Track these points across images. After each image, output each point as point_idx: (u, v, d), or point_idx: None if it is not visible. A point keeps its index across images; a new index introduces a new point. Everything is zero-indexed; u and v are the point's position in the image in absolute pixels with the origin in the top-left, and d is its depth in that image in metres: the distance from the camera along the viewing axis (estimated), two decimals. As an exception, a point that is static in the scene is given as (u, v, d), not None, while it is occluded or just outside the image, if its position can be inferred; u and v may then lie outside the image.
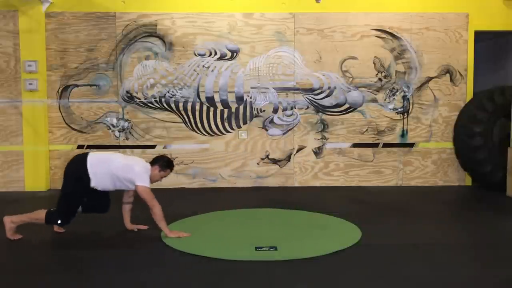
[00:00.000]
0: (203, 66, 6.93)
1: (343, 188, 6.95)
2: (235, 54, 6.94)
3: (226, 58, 6.94)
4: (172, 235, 4.33)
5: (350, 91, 7.02)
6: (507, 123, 6.51)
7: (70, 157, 6.79)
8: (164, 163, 4.47)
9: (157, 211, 4.28)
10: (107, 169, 4.25)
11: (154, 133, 6.98)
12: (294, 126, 7.05)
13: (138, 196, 4.35)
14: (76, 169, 4.31)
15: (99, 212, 4.51)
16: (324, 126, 7.06)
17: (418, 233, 4.58)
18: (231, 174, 7.06)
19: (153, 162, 4.48)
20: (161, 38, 6.90)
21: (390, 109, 7.08)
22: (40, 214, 4.30)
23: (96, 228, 4.81)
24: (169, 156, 4.72)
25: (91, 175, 4.23)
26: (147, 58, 6.91)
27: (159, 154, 4.68)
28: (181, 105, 6.95)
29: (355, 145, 7.06)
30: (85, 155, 4.35)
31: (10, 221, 4.36)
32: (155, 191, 6.81)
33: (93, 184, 4.25)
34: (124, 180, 4.29)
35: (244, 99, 6.97)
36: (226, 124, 7.00)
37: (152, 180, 4.42)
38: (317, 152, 7.07)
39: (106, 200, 4.49)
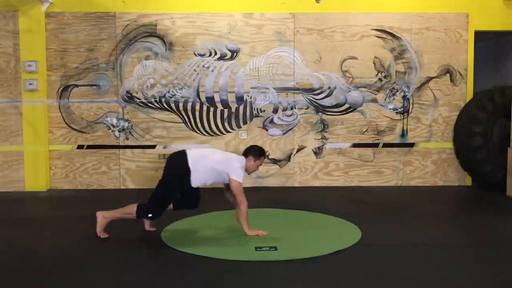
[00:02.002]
0: (203, 66, 6.93)
1: (343, 188, 6.95)
2: (235, 54, 6.94)
3: (226, 58, 6.94)
4: (251, 234, 4.37)
5: (350, 91, 7.02)
6: (507, 123, 6.51)
7: (70, 157, 6.90)
8: (257, 152, 4.53)
9: (243, 208, 4.34)
10: (207, 164, 4.34)
11: (154, 133, 6.98)
12: (294, 126, 7.05)
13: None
14: (178, 165, 4.36)
15: (190, 209, 4.58)
16: (324, 126, 7.06)
17: (418, 233, 4.58)
18: (231, 174, 7.05)
19: (246, 154, 4.53)
20: (161, 38, 6.90)
21: (390, 109, 7.08)
22: (131, 208, 4.34)
23: (96, 228, 4.81)
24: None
25: (192, 171, 4.30)
26: (147, 58, 6.91)
27: (250, 145, 4.68)
28: (181, 105, 6.95)
29: (355, 145, 7.06)
30: (184, 152, 4.41)
31: (103, 216, 4.40)
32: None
33: (193, 179, 4.31)
34: (223, 174, 4.36)
35: (244, 99, 6.97)
36: (226, 124, 7.00)
37: (250, 171, 4.53)
38: (317, 152, 7.07)
39: (197, 196, 4.54)
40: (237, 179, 4.33)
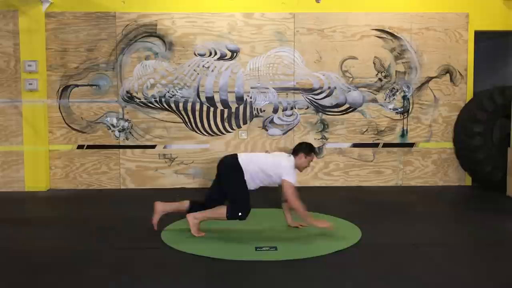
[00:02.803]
0: (203, 66, 6.93)
1: (343, 188, 6.95)
2: (235, 54, 6.94)
3: (226, 58, 6.94)
4: (318, 224, 4.34)
5: (350, 91, 7.02)
6: (507, 123, 6.51)
7: (70, 157, 6.90)
8: (306, 149, 4.54)
9: (300, 210, 4.32)
10: (258, 167, 4.36)
11: (154, 133, 6.98)
12: (294, 126, 7.05)
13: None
14: (232, 164, 4.39)
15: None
16: (324, 126, 7.06)
17: (418, 233, 4.58)
18: (231, 174, 7.05)
19: (295, 152, 4.54)
20: (161, 38, 6.90)
21: (390, 109, 7.08)
22: (220, 210, 4.36)
23: (96, 228, 4.82)
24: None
25: (245, 173, 4.34)
26: (147, 58, 6.91)
27: (298, 143, 4.70)
28: (181, 105, 6.95)
29: (355, 145, 7.06)
30: (235, 156, 4.47)
31: (193, 218, 4.42)
32: (156, 190, 6.84)
33: (246, 180, 4.35)
34: (273, 176, 4.38)
35: (244, 99, 6.97)
36: (226, 124, 7.00)
37: (301, 168, 4.53)
38: (317, 152, 7.06)
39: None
40: (290, 180, 4.33)
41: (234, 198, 4.36)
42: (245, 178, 4.35)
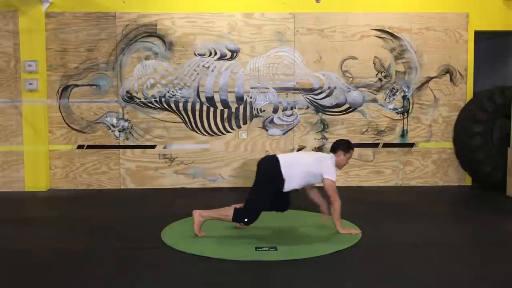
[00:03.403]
0: (203, 66, 6.93)
1: (343, 188, 6.93)
2: (235, 54, 6.94)
3: (226, 58, 6.94)
4: (344, 232, 4.42)
5: (350, 91, 7.02)
6: (507, 123, 6.51)
7: (70, 157, 6.90)
8: (345, 146, 4.55)
9: (337, 207, 4.37)
10: (300, 168, 4.36)
11: (154, 133, 6.98)
12: (294, 126, 7.05)
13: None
14: (271, 171, 4.36)
15: (281, 211, 4.60)
16: (324, 126, 7.06)
17: (418, 233, 4.58)
18: (231, 174, 7.06)
19: (334, 150, 4.56)
20: (161, 38, 6.90)
21: (390, 109, 7.08)
22: (228, 211, 4.37)
23: (96, 228, 4.82)
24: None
25: (285, 177, 4.32)
26: (147, 58, 6.91)
27: (336, 140, 4.71)
28: (181, 105, 6.95)
29: (355, 145, 7.02)
30: (275, 157, 4.43)
31: (199, 215, 4.42)
32: (156, 190, 6.85)
33: (286, 185, 4.34)
34: (316, 175, 4.39)
35: (244, 99, 6.97)
36: (226, 124, 7.00)
37: (341, 165, 4.55)
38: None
39: (288, 199, 4.57)
40: (331, 178, 4.36)
41: (250, 204, 4.36)
42: (286, 182, 4.31)
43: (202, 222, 4.43)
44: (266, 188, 4.34)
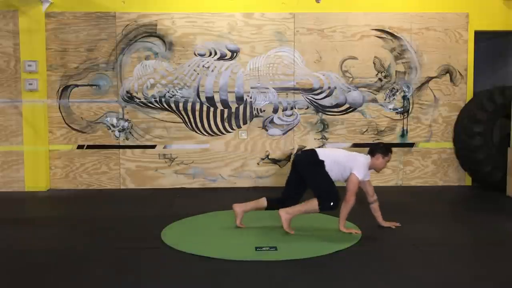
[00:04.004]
0: (203, 66, 6.93)
1: (343, 188, 6.93)
2: (235, 54, 6.94)
3: (226, 58, 6.94)
4: (345, 231, 4.45)
5: (350, 91, 7.02)
6: (507, 123, 6.51)
7: (70, 157, 6.90)
8: (384, 150, 4.60)
9: (349, 205, 4.40)
10: (335, 160, 4.44)
11: (154, 133, 6.98)
12: (294, 126, 7.05)
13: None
14: (311, 158, 4.47)
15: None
16: (324, 126, 7.06)
17: (418, 233, 4.58)
18: (231, 174, 7.06)
19: (372, 152, 4.59)
20: (161, 38, 6.90)
21: (390, 109, 7.08)
22: (312, 203, 4.38)
23: (96, 228, 4.82)
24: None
25: (325, 164, 4.42)
26: (147, 58, 6.91)
27: (374, 144, 4.81)
28: (181, 105, 6.95)
29: (355, 145, 7.06)
30: (313, 150, 4.59)
31: (286, 213, 4.45)
32: (156, 190, 6.85)
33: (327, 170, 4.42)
34: (347, 169, 4.43)
35: (244, 99, 6.97)
36: (226, 124, 7.00)
37: (379, 168, 4.60)
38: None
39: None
40: (357, 175, 4.40)
41: (320, 190, 4.39)
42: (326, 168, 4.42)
43: (290, 219, 4.47)
44: (318, 171, 4.41)
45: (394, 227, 4.71)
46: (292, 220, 4.52)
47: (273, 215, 5.19)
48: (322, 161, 4.43)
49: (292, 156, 7.01)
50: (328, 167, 4.43)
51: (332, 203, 4.33)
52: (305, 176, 4.50)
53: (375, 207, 4.73)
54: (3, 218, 5.26)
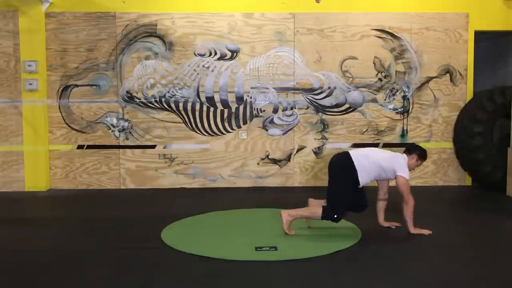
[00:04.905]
0: (203, 66, 6.93)
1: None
2: (235, 54, 6.94)
3: (226, 58, 6.94)
4: (416, 232, 4.45)
5: (350, 91, 7.02)
6: (507, 123, 6.51)
7: (70, 157, 6.90)
8: (422, 153, 4.58)
9: (410, 205, 4.40)
10: (372, 161, 4.39)
11: (154, 133, 6.98)
12: (294, 126, 7.05)
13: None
14: (343, 163, 4.41)
15: (359, 211, 4.59)
16: (324, 126, 7.06)
17: (418, 233, 4.57)
18: (231, 174, 7.06)
19: (409, 151, 4.58)
20: (161, 38, 6.90)
21: (390, 109, 7.08)
22: (316, 209, 4.38)
23: (96, 228, 4.82)
24: None
25: (357, 168, 4.36)
26: (147, 58, 6.91)
27: (412, 144, 4.79)
28: (181, 105, 6.95)
29: (355, 145, 7.05)
30: (347, 153, 4.50)
31: (288, 215, 4.45)
32: (156, 190, 6.85)
33: (359, 175, 4.36)
34: (387, 171, 4.41)
35: (244, 99, 6.97)
36: (226, 124, 7.00)
37: (409, 169, 4.53)
38: (317, 152, 7.07)
39: (365, 198, 4.59)
40: (405, 176, 4.39)
41: (334, 199, 4.37)
42: (358, 173, 4.35)
43: (291, 222, 4.46)
44: (343, 180, 4.37)
45: (393, 227, 4.70)
46: (293, 220, 4.52)
47: (273, 215, 5.19)
48: (354, 166, 4.35)
49: (293, 156, 7.01)
50: (365, 169, 4.37)
51: (336, 216, 4.32)
52: (332, 180, 4.46)
53: (381, 206, 4.73)
54: (3, 218, 5.26)
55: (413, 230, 4.49)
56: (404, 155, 4.56)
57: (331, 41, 6.97)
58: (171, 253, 4.01)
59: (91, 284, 3.36)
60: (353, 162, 4.37)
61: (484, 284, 3.36)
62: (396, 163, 4.42)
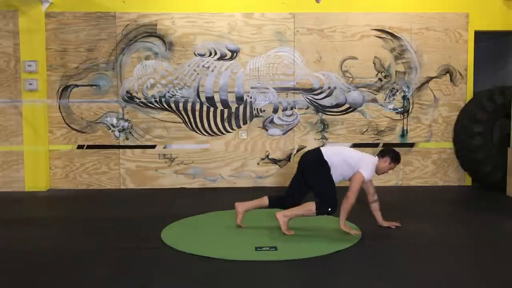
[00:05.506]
0: (203, 66, 6.93)
1: (343, 188, 6.93)
2: (235, 54, 6.94)
3: (226, 58, 6.94)
4: (344, 229, 4.42)
5: (350, 91, 7.02)
6: (507, 123, 6.51)
7: (70, 157, 6.90)
8: (395, 156, 4.60)
9: (350, 202, 4.36)
10: (342, 158, 4.40)
11: (154, 133, 6.98)
12: (294, 126, 7.05)
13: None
14: (316, 158, 4.43)
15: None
16: (324, 126, 7.06)
17: (418, 233, 4.58)
18: (231, 174, 7.06)
19: (382, 154, 4.59)
20: (161, 38, 6.90)
21: (390, 109, 7.08)
22: (309, 206, 4.37)
23: (96, 228, 4.82)
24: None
25: (329, 164, 4.37)
26: (147, 58, 6.91)
27: (387, 147, 4.80)
28: (181, 105, 6.95)
29: (355, 145, 7.05)
30: (318, 149, 4.52)
31: (283, 215, 4.46)
32: (156, 190, 6.84)
33: (332, 172, 4.38)
34: (354, 169, 4.40)
35: (244, 99, 6.97)
36: (226, 124, 7.00)
37: (381, 172, 4.59)
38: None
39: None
40: (364, 174, 4.37)
41: (322, 193, 4.37)
42: (329, 164, 4.38)
43: (288, 222, 4.46)
44: (323, 174, 4.38)
45: (393, 227, 4.70)
46: (293, 220, 4.53)
47: (273, 215, 5.19)
48: (327, 162, 4.39)
49: (293, 156, 7.01)
50: (334, 166, 4.40)
51: (330, 209, 4.32)
52: (309, 176, 4.48)
53: (375, 207, 4.72)
54: (3, 218, 5.26)
55: (343, 227, 4.43)
56: (376, 157, 4.55)
57: (331, 41, 6.97)
58: (171, 253, 4.01)
59: (91, 284, 3.36)
60: (324, 158, 4.40)
61: (484, 284, 3.36)
62: (363, 162, 4.41)
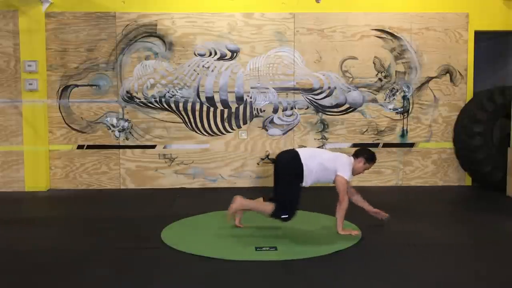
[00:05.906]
0: (203, 66, 6.93)
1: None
2: (235, 54, 6.94)
3: (226, 58, 6.94)
4: (344, 233, 4.39)
5: (350, 91, 7.02)
6: (507, 123, 6.51)
7: (70, 157, 6.90)
8: (369, 156, 4.57)
9: (344, 206, 4.35)
10: (317, 161, 4.35)
11: (154, 133, 6.98)
12: (294, 126, 7.05)
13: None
14: (293, 164, 4.36)
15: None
16: (324, 126, 7.06)
17: (418, 233, 4.58)
18: (231, 174, 7.06)
19: (357, 155, 4.56)
20: (161, 38, 6.90)
21: (390, 109, 7.08)
22: (268, 206, 4.35)
23: (96, 228, 4.82)
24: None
25: (304, 168, 4.32)
26: (147, 58, 6.91)
27: (362, 147, 4.77)
28: (181, 105, 6.95)
29: (355, 145, 7.05)
30: (295, 151, 4.45)
31: (240, 203, 4.46)
32: (156, 190, 6.85)
33: (304, 176, 4.33)
34: (330, 171, 4.38)
35: (244, 99, 6.97)
36: (226, 124, 7.00)
37: (355, 172, 4.56)
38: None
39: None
40: (343, 176, 4.36)
41: (284, 198, 4.34)
42: (305, 173, 4.32)
43: (239, 208, 4.47)
44: (292, 181, 4.33)
45: (383, 218, 4.70)
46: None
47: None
48: (302, 165, 4.32)
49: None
50: (310, 169, 4.34)
51: (285, 216, 4.29)
52: (280, 178, 4.41)
53: (358, 199, 4.72)
54: (3, 218, 5.26)
55: (341, 231, 4.41)
56: (351, 157, 4.53)
57: (331, 41, 6.97)
58: (171, 253, 4.01)
59: (91, 284, 3.36)
60: (301, 163, 4.33)
61: (484, 284, 3.36)
62: (338, 163, 4.39)
